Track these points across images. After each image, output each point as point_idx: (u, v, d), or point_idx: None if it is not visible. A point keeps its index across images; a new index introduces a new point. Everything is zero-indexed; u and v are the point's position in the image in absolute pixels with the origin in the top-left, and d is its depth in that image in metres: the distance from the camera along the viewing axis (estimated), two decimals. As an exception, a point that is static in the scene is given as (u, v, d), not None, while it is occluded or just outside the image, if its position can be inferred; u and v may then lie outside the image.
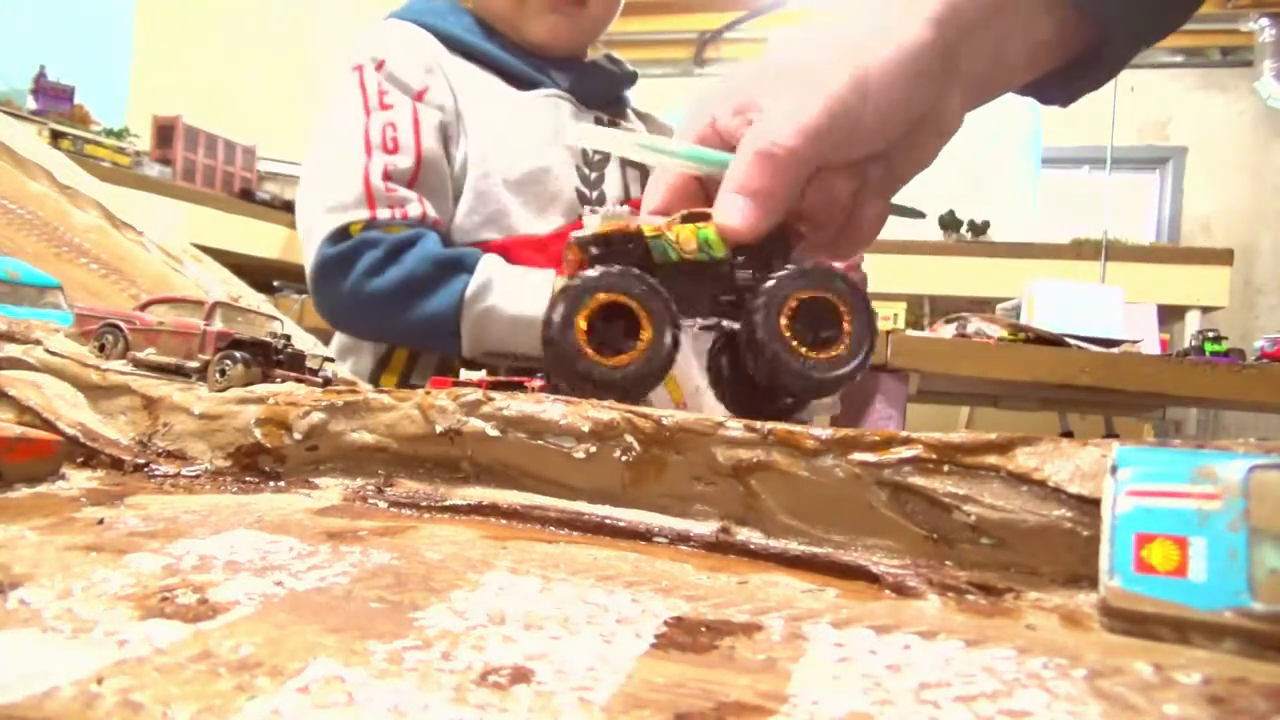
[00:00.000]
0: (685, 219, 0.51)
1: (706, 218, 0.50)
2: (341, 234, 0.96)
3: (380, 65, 1.03)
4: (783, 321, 0.48)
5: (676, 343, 0.49)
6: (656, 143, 0.56)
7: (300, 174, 1.06)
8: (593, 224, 0.51)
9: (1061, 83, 0.58)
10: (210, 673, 0.22)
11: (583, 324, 0.48)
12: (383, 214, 0.96)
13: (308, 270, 0.99)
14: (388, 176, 0.98)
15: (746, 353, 0.49)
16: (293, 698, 0.21)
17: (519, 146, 1.05)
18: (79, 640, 0.24)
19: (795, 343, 0.48)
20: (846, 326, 0.49)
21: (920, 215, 0.62)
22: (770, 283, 0.48)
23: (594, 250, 0.51)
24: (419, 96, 1.02)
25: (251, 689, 0.22)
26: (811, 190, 0.52)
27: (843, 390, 0.51)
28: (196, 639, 0.25)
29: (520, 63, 1.08)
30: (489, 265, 0.95)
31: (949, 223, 4.19)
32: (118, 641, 0.24)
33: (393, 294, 0.94)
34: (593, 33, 1.14)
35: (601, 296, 0.48)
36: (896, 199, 0.58)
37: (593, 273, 0.48)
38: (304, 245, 1.01)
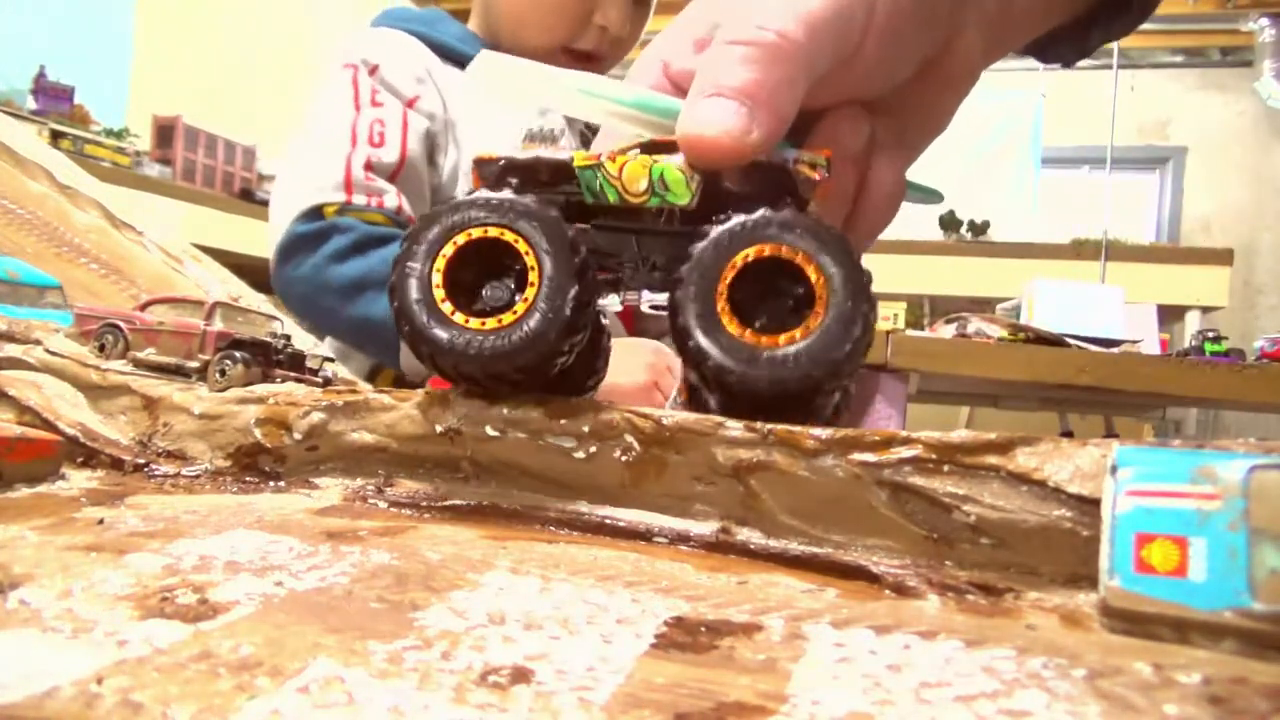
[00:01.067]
0: (644, 149, 0.40)
1: (673, 149, 0.39)
2: (314, 214, 0.96)
3: (374, 70, 1.03)
4: (719, 290, 0.36)
5: (586, 311, 0.38)
6: (593, 85, 0.42)
7: (283, 160, 1.06)
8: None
9: (1079, 33, 0.52)
10: (210, 673, 0.22)
11: (439, 267, 0.38)
12: (359, 200, 0.96)
13: (272, 247, 0.98)
14: (369, 167, 0.98)
15: (673, 340, 0.38)
16: (293, 698, 0.21)
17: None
18: (79, 640, 0.24)
19: (732, 321, 0.36)
20: (819, 297, 0.36)
21: (939, 197, 0.53)
22: (706, 235, 0.37)
23: (505, 179, 0.41)
24: (410, 104, 1.03)
25: (251, 689, 0.22)
26: (816, 134, 0.43)
27: (824, 396, 0.38)
28: (196, 639, 0.25)
29: None
30: None
31: (949, 223, 4.19)
32: (118, 641, 0.24)
33: (348, 286, 0.93)
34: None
35: (473, 233, 0.38)
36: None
37: (464, 197, 0.39)
38: (272, 222, 1.00)
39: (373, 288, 0.93)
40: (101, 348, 0.54)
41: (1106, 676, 0.25)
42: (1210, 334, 2.65)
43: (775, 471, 0.38)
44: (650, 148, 0.40)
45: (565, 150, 0.40)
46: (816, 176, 0.39)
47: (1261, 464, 0.27)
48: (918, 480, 0.35)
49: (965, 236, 4.16)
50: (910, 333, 2.81)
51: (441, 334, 0.38)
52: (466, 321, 0.38)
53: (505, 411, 0.42)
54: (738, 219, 0.37)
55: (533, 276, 0.37)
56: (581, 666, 0.23)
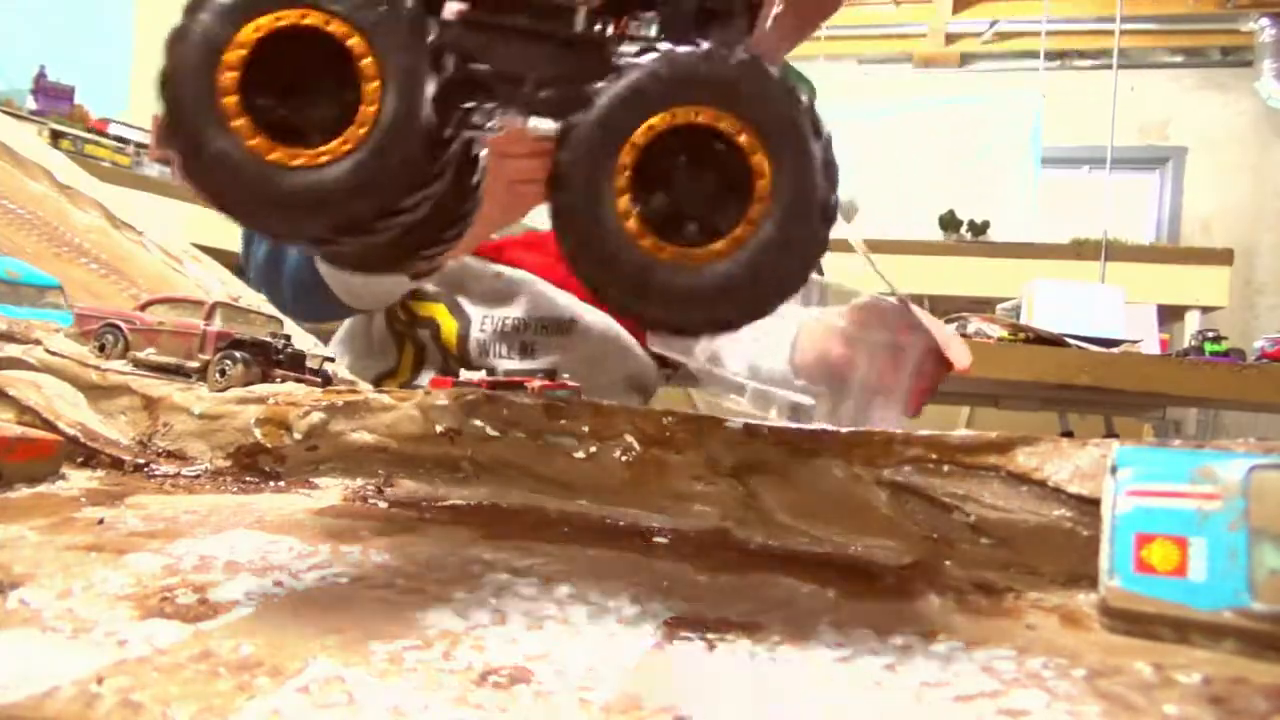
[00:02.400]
0: None
1: None
2: None
3: None
4: (617, 168, 0.27)
5: (447, 148, 0.28)
6: None
7: None
8: None
9: None
10: (210, 673, 0.22)
11: (231, 62, 0.27)
12: None
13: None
14: None
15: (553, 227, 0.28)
16: (293, 698, 0.21)
17: None
18: (79, 640, 0.24)
19: (633, 224, 0.27)
20: (760, 188, 0.27)
21: None
22: (603, 86, 0.27)
23: None
24: None
25: (251, 689, 0.22)
26: None
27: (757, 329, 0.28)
28: (196, 639, 0.25)
29: None
30: None
31: (949, 223, 4.19)
32: (118, 641, 0.24)
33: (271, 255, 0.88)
34: None
35: (284, 16, 0.27)
36: None
37: None
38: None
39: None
40: (101, 348, 0.54)
41: (1106, 676, 0.25)
42: (1210, 334, 2.65)
43: (775, 471, 0.38)
44: None
45: None
46: None
47: (1261, 464, 0.27)
48: (918, 480, 0.35)
49: (965, 236, 4.17)
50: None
51: (223, 151, 0.26)
52: (263, 147, 0.27)
53: (505, 412, 0.42)
54: (651, 61, 0.27)
55: (370, 91, 0.27)
56: (581, 666, 0.23)
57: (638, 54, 0.28)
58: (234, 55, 0.27)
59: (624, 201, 0.27)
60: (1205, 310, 3.86)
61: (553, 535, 0.38)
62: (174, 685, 0.22)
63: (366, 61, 0.27)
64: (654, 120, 0.27)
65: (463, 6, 0.30)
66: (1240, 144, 4.73)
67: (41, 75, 3.01)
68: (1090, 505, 0.32)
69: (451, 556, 0.34)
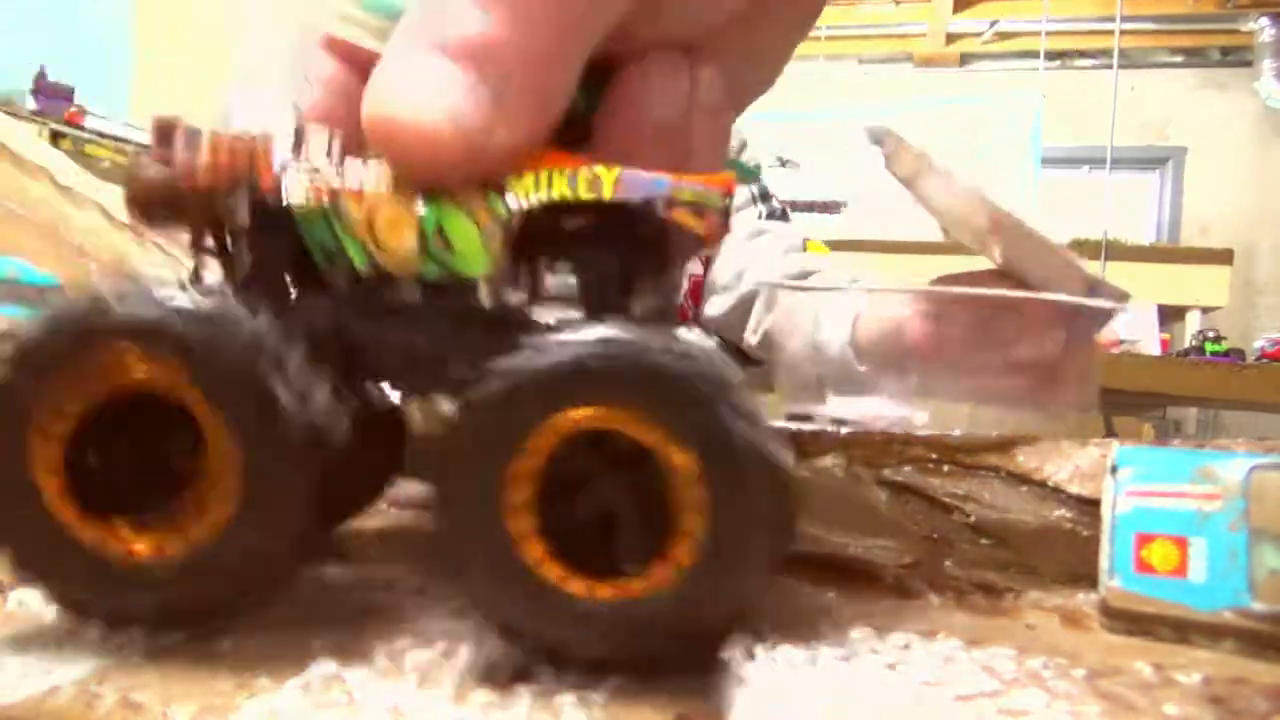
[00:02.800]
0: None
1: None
2: None
3: None
4: (512, 476, 0.22)
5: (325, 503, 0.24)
6: None
7: None
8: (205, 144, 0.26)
9: None
10: (210, 673, 0.22)
11: (53, 441, 0.23)
12: None
13: None
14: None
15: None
16: (293, 697, 0.21)
17: None
18: (79, 640, 0.24)
19: (529, 553, 0.22)
20: (689, 519, 0.22)
21: (756, 175, 0.42)
22: (503, 368, 0.22)
23: (201, 232, 0.27)
24: None
25: (251, 688, 0.22)
26: (614, 94, 0.27)
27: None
28: (197, 638, 0.25)
29: None
30: None
31: (949, 223, 4.19)
32: (118, 642, 0.24)
33: None
34: None
35: (99, 384, 0.23)
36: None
37: (80, 307, 0.23)
38: None
39: None
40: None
41: (1106, 676, 0.25)
42: (1210, 334, 2.65)
43: (775, 471, 0.38)
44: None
45: (283, 174, 0.25)
46: (702, 230, 0.25)
47: (1261, 464, 0.27)
48: (918, 480, 0.35)
49: (965, 236, 4.16)
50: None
51: (73, 561, 0.23)
52: (115, 534, 0.23)
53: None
54: (542, 358, 0.22)
55: (228, 455, 0.22)
56: (582, 666, 0.23)
57: (550, 328, 0.23)
58: (54, 440, 0.23)
59: (521, 521, 0.22)
60: (1205, 310, 3.86)
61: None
62: (174, 685, 0.22)
63: (212, 425, 0.23)
64: (557, 420, 0.22)
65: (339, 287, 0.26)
66: (1240, 144, 4.73)
67: (41, 75, 3.01)
68: (1090, 505, 0.32)
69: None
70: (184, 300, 0.23)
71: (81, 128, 2.56)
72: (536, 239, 0.26)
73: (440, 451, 0.22)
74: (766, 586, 0.22)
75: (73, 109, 2.69)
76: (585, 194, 0.25)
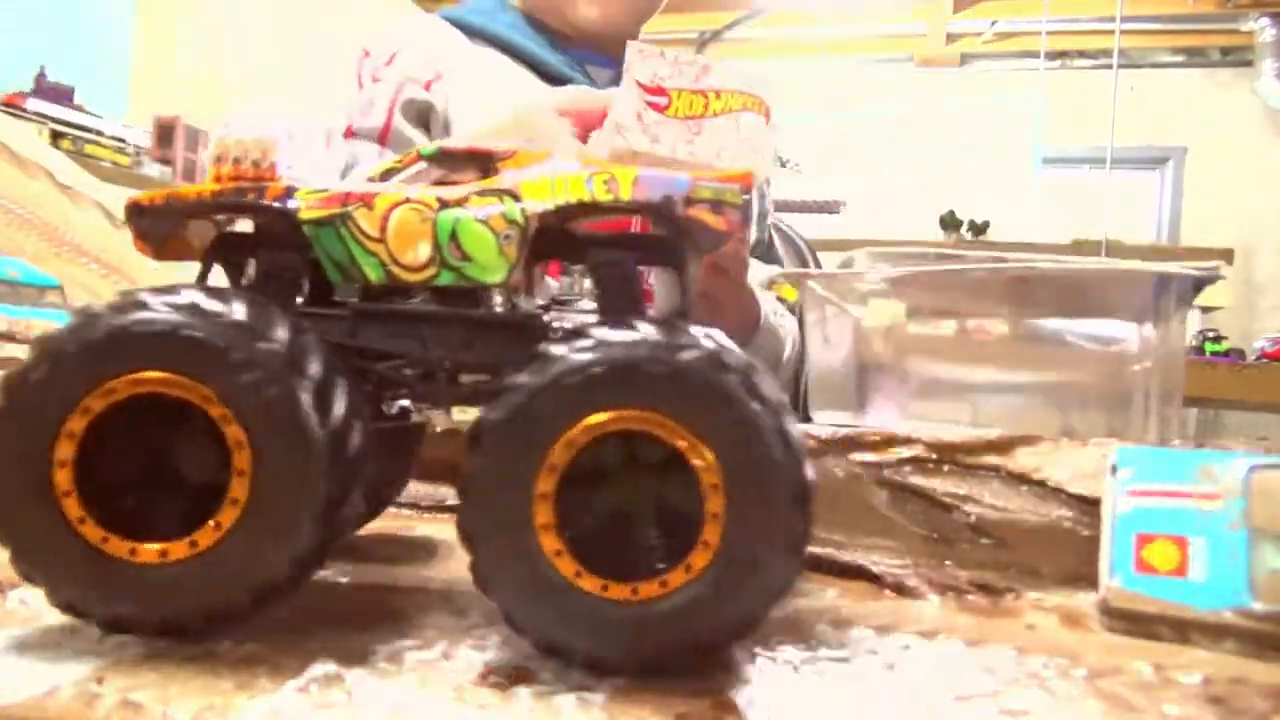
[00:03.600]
0: (439, 178, 0.28)
1: (478, 166, 0.27)
2: None
3: (390, 59, 1.02)
4: (536, 495, 0.22)
5: (342, 506, 0.24)
6: None
7: None
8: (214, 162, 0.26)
9: None
10: (210, 672, 0.22)
11: (62, 455, 0.23)
12: None
13: None
14: (350, 134, 0.96)
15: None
16: (293, 697, 0.21)
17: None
18: (79, 640, 0.24)
19: (558, 553, 0.22)
20: (709, 528, 0.22)
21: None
22: (519, 382, 0.23)
23: (213, 253, 0.27)
24: (426, 86, 1.01)
25: (251, 688, 0.22)
26: None
27: None
28: (196, 638, 0.25)
29: (559, 60, 1.07)
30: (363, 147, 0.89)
31: (949, 223, 4.19)
32: (118, 642, 0.24)
33: None
34: (647, 11, 1.11)
35: (116, 391, 0.23)
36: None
37: (106, 313, 0.23)
38: None
39: None
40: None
41: (1106, 676, 0.25)
42: (1210, 334, 2.65)
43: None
44: (442, 167, 0.27)
45: (292, 184, 0.26)
46: (722, 226, 0.25)
47: (1261, 464, 0.27)
48: (918, 480, 0.35)
49: (965, 236, 4.17)
50: (912, 329, 2.80)
51: (77, 572, 0.23)
52: (126, 550, 0.23)
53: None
54: (578, 352, 0.22)
55: (241, 462, 0.23)
56: (582, 666, 0.23)
57: (565, 337, 0.23)
58: (66, 449, 0.23)
59: (549, 538, 0.22)
60: (1205, 310, 3.86)
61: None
62: (174, 685, 0.22)
63: (230, 427, 0.23)
64: (575, 431, 0.22)
65: (355, 299, 0.27)
66: (1240, 144, 4.73)
67: (41, 75, 3.01)
68: (1090, 505, 0.32)
69: (452, 556, 0.34)
70: (208, 308, 0.23)
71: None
72: (552, 241, 0.26)
73: (465, 472, 0.23)
74: (779, 597, 0.23)
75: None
76: (603, 196, 0.25)
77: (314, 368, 0.23)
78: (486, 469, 0.22)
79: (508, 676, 0.23)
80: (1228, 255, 3.96)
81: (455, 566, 0.33)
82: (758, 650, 0.26)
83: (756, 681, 0.23)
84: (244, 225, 0.28)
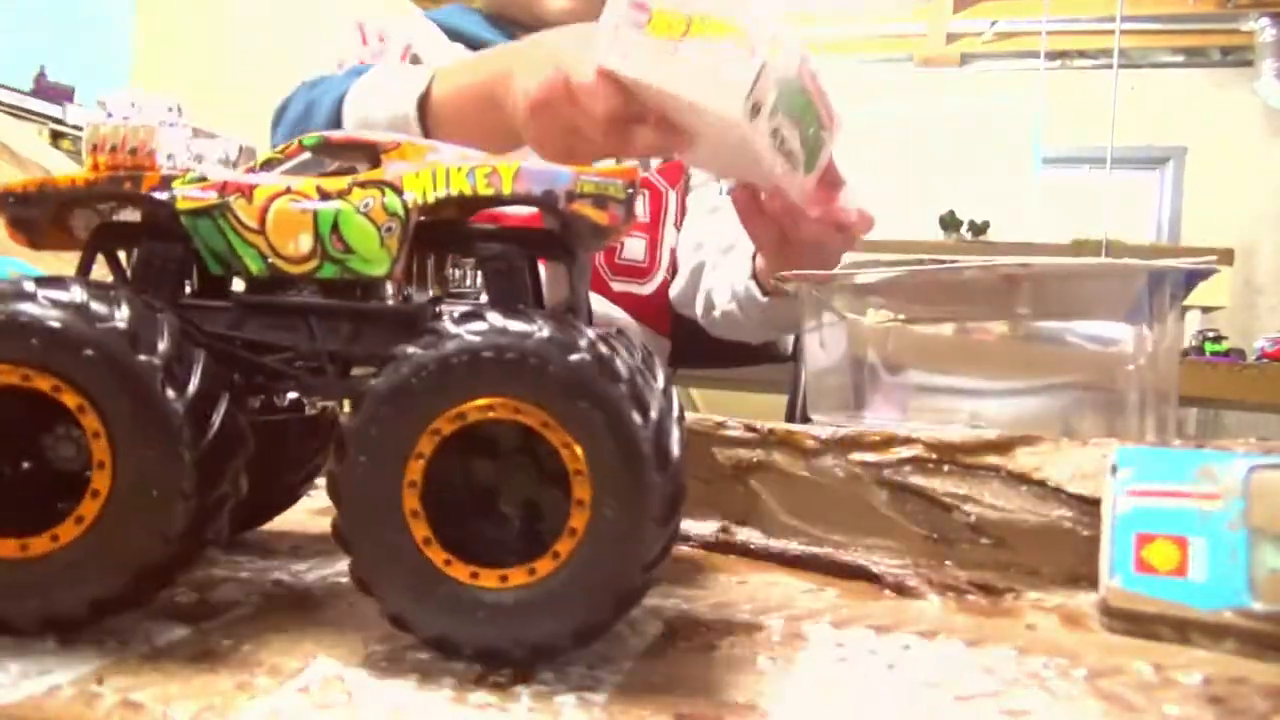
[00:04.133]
0: (335, 169, 0.27)
1: (361, 155, 0.27)
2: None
3: (381, 36, 1.02)
4: (405, 480, 0.22)
5: (221, 488, 0.24)
6: None
7: None
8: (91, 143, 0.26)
9: None
10: (210, 672, 0.22)
11: None
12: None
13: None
14: (362, 60, 0.96)
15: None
16: (293, 697, 0.21)
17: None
18: (79, 640, 0.24)
19: (426, 541, 0.23)
20: (575, 515, 0.22)
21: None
22: (406, 353, 0.23)
23: (96, 243, 0.27)
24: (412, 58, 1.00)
25: (251, 688, 0.22)
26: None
27: None
28: (197, 638, 0.25)
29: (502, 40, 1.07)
30: (375, 73, 0.88)
31: (949, 223, 4.19)
32: (118, 641, 0.24)
33: (301, 112, 0.88)
34: None
35: None
36: None
37: None
38: None
39: (315, 103, 0.86)
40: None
41: (1106, 676, 0.25)
42: (1210, 334, 2.65)
43: (775, 471, 0.38)
44: (325, 158, 0.27)
45: (169, 173, 0.26)
46: (605, 221, 0.25)
47: (1261, 464, 0.27)
48: (918, 480, 0.35)
49: (965, 236, 4.16)
50: (907, 331, 2.80)
51: None
52: (15, 547, 0.23)
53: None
54: (437, 344, 0.22)
55: (101, 453, 0.22)
56: (582, 666, 0.23)
57: (459, 320, 0.23)
58: None
59: (419, 526, 0.22)
60: (1205, 310, 3.86)
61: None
62: (174, 685, 0.22)
63: (88, 418, 0.22)
64: (449, 415, 0.22)
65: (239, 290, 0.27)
66: (1240, 144, 4.73)
67: (41, 75, 3.01)
68: (1090, 505, 0.32)
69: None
70: (44, 295, 0.23)
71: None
72: (439, 235, 0.26)
73: (337, 445, 0.23)
74: (647, 582, 0.23)
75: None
76: (484, 189, 0.25)
77: (162, 344, 0.23)
78: (361, 448, 0.22)
79: (508, 676, 0.23)
80: (1228, 255, 3.96)
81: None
82: (758, 650, 0.26)
83: (757, 681, 0.23)
84: (129, 214, 0.27)
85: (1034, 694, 0.23)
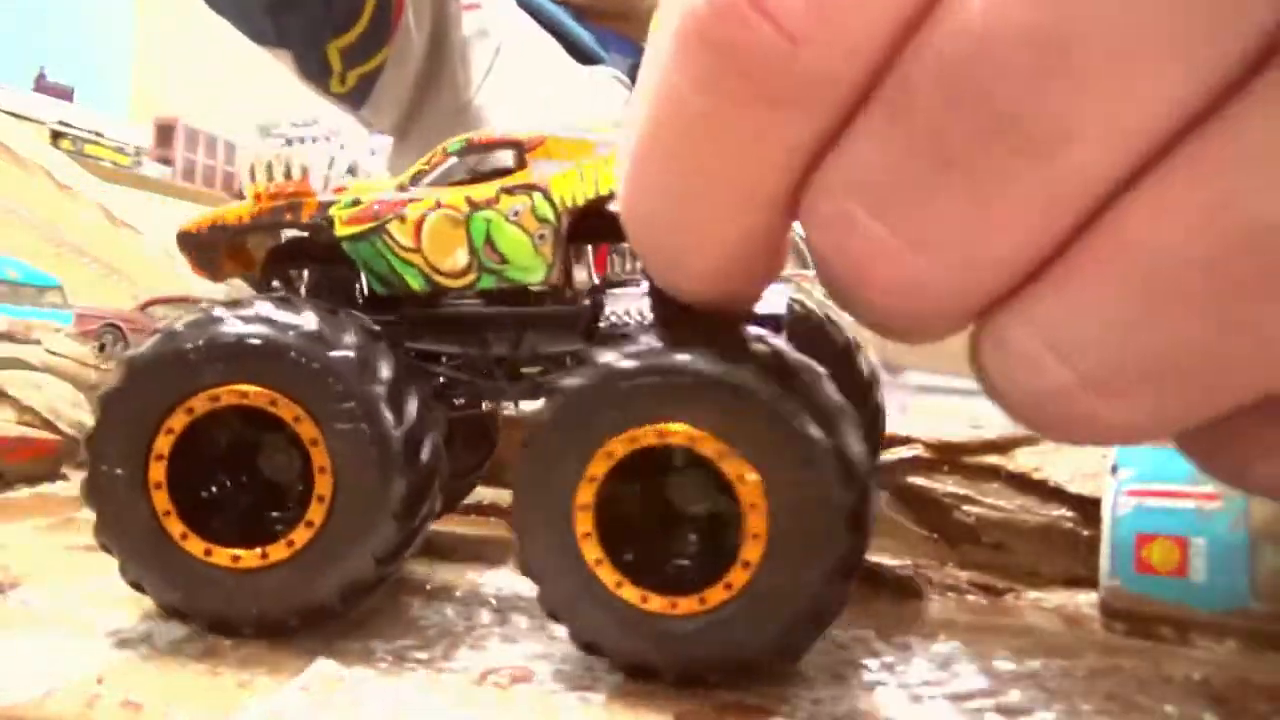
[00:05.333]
0: (476, 176, 0.27)
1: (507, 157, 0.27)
2: None
3: None
4: (577, 505, 0.22)
5: (423, 500, 0.24)
6: None
7: None
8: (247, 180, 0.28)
9: None
10: (211, 672, 0.22)
11: (155, 475, 0.24)
12: None
13: None
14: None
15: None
16: (293, 697, 0.21)
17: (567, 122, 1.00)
18: (79, 640, 0.24)
19: (599, 562, 0.22)
20: (752, 528, 0.21)
21: None
22: (567, 381, 0.22)
23: (270, 269, 0.29)
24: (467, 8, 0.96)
25: (251, 688, 0.22)
26: None
27: None
28: (197, 638, 0.25)
29: (586, 34, 1.05)
30: None
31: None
32: (118, 641, 0.24)
33: None
34: None
35: (194, 406, 0.24)
36: None
37: (183, 330, 0.24)
38: None
39: None
40: (101, 348, 0.54)
41: (1106, 676, 0.25)
42: (1210, 334, 2.64)
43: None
44: (471, 158, 0.27)
45: (326, 200, 0.26)
46: None
47: (1261, 464, 0.27)
48: (918, 480, 0.35)
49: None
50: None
51: (177, 577, 0.24)
52: (218, 555, 0.24)
53: (506, 411, 0.42)
54: (608, 358, 0.22)
55: (321, 461, 0.23)
56: (582, 666, 0.23)
57: (609, 339, 0.23)
58: (158, 466, 0.24)
59: (592, 547, 0.22)
60: (1205, 310, 3.86)
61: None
62: (174, 685, 0.22)
63: (308, 429, 0.23)
64: (615, 445, 0.21)
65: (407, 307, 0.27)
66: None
67: (41, 75, 3.01)
68: (1090, 505, 0.32)
69: (453, 556, 0.34)
70: (279, 319, 0.24)
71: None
72: (596, 226, 0.26)
73: (516, 471, 0.23)
74: (824, 617, 0.22)
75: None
76: None
77: (385, 371, 0.24)
78: (535, 471, 0.22)
79: (508, 677, 0.23)
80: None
81: (456, 566, 0.33)
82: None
83: (757, 681, 0.23)
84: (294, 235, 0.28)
85: (1034, 694, 0.23)
